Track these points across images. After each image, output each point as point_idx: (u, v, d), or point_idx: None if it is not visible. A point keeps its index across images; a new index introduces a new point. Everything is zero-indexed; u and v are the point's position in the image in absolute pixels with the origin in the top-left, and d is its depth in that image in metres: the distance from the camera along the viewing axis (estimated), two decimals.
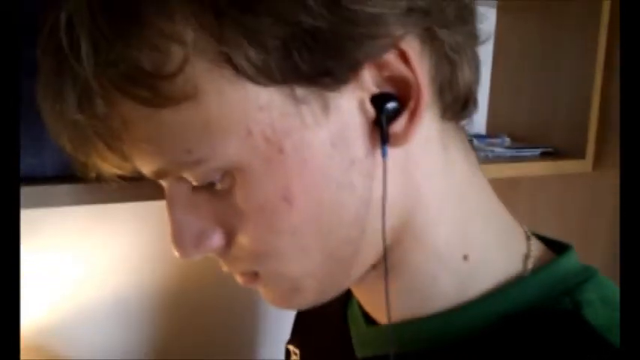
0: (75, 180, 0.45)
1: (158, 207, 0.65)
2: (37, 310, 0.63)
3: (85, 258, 0.66)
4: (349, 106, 0.30)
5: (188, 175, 0.32)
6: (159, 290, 0.70)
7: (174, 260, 0.67)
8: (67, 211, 0.63)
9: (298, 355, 0.48)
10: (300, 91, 0.29)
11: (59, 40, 0.28)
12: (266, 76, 0.28)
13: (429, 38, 0.31)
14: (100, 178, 0.34)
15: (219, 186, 0.32)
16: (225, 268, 0.36)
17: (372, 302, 0.39)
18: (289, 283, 0.35)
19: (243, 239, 0.33)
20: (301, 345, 0.48)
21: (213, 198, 0.33)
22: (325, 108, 0.30)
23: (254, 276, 0.35)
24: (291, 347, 0.50)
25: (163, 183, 0.34)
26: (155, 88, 0.28)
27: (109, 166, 0.33)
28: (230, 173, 0.31)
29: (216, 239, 0.34)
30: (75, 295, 0.65)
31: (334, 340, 0.43)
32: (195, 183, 0.32)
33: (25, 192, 0.44)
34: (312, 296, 0.36)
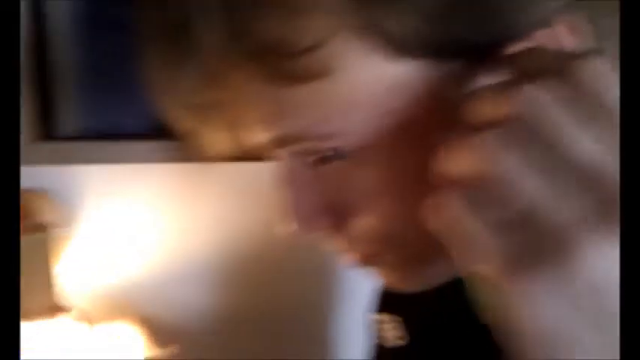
0: (161, 137, 0.46)
1: (245, 169, 0.66)
2: (126, 267, 0.64)
3: (171, 216, 0.66)
4: None
5: (311, 149, 0.30)
6: (239, 253, 0.70)
7: (257, 225, 0.69)
8: (155, 169, 0.64)
9: (397, 322, 0.45)
10: (442, 67, 0.28)
11: (184, 8, 0.26)
12: (407, 50, 0.27)
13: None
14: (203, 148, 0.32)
15: (344, 162, 0.30)
16: (334, 247, 0.34)
17: None
18: (415, 265, 0.33)
19: (365, 218, 0.31)
20: (401, 312, 0.46)
21: (335, 174, 0.31)
22: (457, 93, 0.28)
23: (374, 256, 0.33)
24: (382, 316, 0.48)
25: (279, 157, 0.32)
26: (290, 63, 0.27)
27: (223, 137, 0.31)
28: (358, 150, 0.29)
29: (332, 217, 0.32)
30: (160, 253, 0.65)
31: (451, 305, 0.40)
32: (316, 157, 0.30)
33: (112, 148, 0.49)
34: (439, 276, 0.34)
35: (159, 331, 0.59)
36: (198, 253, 0.68)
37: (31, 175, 0.56)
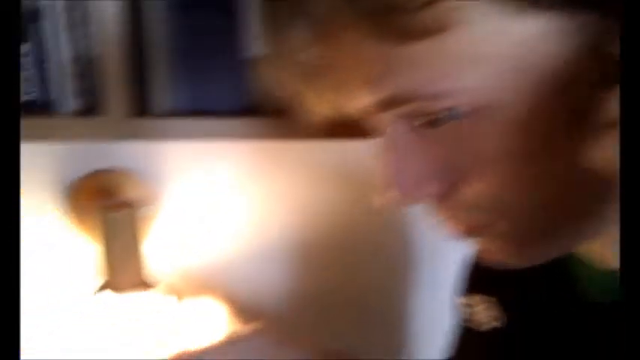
0: (251, 115, 0.49)
1: (330, 148, 0.68)
2: (210, 245, 0.65)
3: (255, 196, 0.67)
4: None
5: (422, 110, 0.29)
6: (321, 234, 0.71)
7: (339, 206, 0.70)
8: (242, 147, 0.65)
9: (491, 303, 0.43)
10: (576, 19, 0.25)
11: None
12: (531, 3, 0.25)
13: None
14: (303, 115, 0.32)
15: (458, 123, 0.28)
16: (438, 217, 0.32)
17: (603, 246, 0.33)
18: (528, 237, 0.31)
19: (478, 184, 0.29)
20: (495, 292, 0.43)
21: (447, 136, 0.29)
22: (593, 47, 0.25)
23: (482, 227, 0.31)
24: (473, 298, 0.46)
25: (383, 122, 0.30)
26: (407, 19, 0.26)
27: (327, 101, 0.31)
28: (473, 111, 0.27)
29: (440, 184, 0.30)
30: (243, 231, 0.67)
31: (549, 283, 0.39)
32: (426, 120, 0.29)
33: (202, 124, 0.51)
34: (551, 252, 0.32)
35: (240, 308, 0.60)
36: (280, 232, 0.69)
37: (118, 154, 0.61)
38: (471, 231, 0.32)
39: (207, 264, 0.66)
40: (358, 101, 0.30)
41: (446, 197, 0.30)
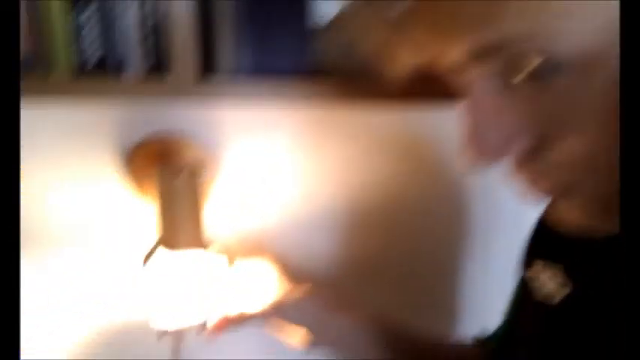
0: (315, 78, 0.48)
1: (387, 118, 0.67)
2: (264, 208, 0.66)
3: (310, 161, 0.68)
4: None
5: (519, 63, 0.27)
6: (373, 203, 0.71)
7: (393, 175, 0.70)
8: (293, 113, 0.65)
9: (558, 271, 0.43)
10: None
11: None
12: None
13: None
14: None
15: (556, 79, 0.27)
16: (520, 177, 0.31)
17: None
18: (611, 200, 0.29)
19: (569, 142, 0.28)
20: (562, 259, 0.43)
21: (541, 92, 0.28)
22: None
23: (569, 187, 0.31)
24: (538, 266, 0.45)
25: (472, 78, 0.30)
26: None
27: (421, 49, 0.30)
28: (574, 65, 0.26)
29: (526, 142, 0.29)
30: (297, 196, 0.68)
31: (616, 253, 0.36)
32: (521, 75, 0.28)
33: (265, 87, 0.52)
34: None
35: (290, 272, 0.62)
36: (332, 199, 0.70)
37: (179, 118, 0.61)
38: (556, 190, 0.31)
39: (260, 228, 0.67)
40: (456, 50, 0.28)
41: (535, 154, 0.29)
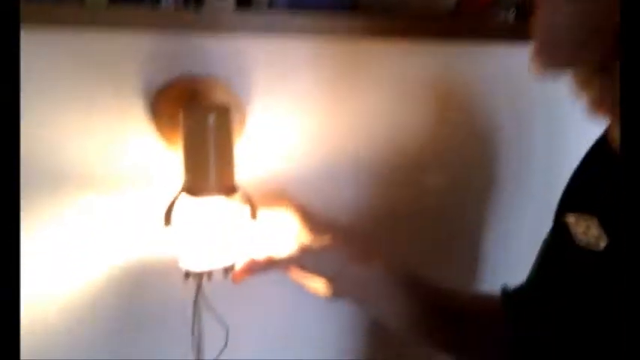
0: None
1: (416, 58, 0.66)
2: (289, 155, 0.65)
3: (338, 106, 0.66)
4: None
5: None
6: (394, 154, 0.70)
7: (417, 125, 0.69)
8: (325, 53, 0.63)
9: (591, 222, 0.43)
10: None
11: None
12: None
13: None
14: None
15: None
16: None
17: None
18: None
19: None
20: (597, 211, 0.43)
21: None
22: None
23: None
24: (572, 217, 0.45)
25: None
26: None
27: None
28: None
29: (597, 54, 0.31)
30: (318, 145, 0.66)
31: None
32: None
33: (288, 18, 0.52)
34: None
35: (313, 221, 0.61)
36: (359, 146, 0.68)
37: (208, 56, 0.59)
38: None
39: (284, 175, 0.65)
40: None
41: (602, 70, 0.30)
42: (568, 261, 0.46)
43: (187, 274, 0.55)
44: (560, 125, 0.80)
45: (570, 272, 0.46)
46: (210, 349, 0.68)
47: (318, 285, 0.59)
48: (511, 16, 0.67)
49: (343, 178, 0.69)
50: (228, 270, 0.56)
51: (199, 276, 0.56)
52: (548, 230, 0.53)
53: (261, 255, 0.55)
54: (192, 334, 0.66)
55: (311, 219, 0.59)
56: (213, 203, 0.56)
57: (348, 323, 0.76)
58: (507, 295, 0.58)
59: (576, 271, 0.45)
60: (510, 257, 0.79)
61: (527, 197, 0.78)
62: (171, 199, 0.55)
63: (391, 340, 0.78)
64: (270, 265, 0.56)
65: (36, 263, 0.59)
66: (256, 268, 0.55)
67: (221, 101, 0.59)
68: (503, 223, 0.78)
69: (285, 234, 0.58)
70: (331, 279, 0.58)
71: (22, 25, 0.39)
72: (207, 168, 0.54)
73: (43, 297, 0.60)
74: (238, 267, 0.56)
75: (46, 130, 0.56)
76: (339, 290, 0.58)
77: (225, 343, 0.66)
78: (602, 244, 0.41)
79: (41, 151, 0.57)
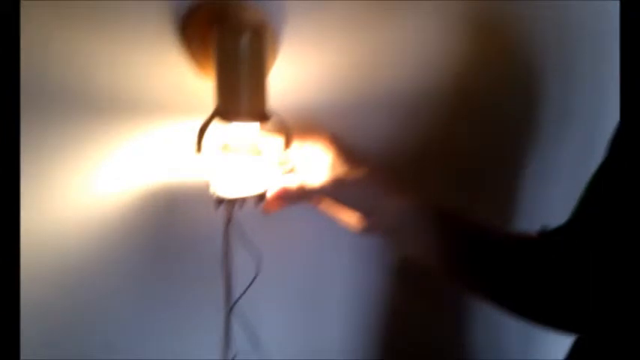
0: None
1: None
2: (324, 86, 0.63)
3: (368, 38, 0.64)
4: None
5: None
6: (433, 88, 0.68)
7: (458, 59, 0.67)
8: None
9: None
10: None
11: None
12: None
13: None
14: None
15: None
16: None
17: None
18: None
19: None
20: None
21: None
22: None
23: None
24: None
25: None
26: None
27: None
28: None
29: None
30: (353, 76, 0.64)
31: None
32: None
33: None
34: None
35: (348, 152, 0.59)
36: (397, 77, 0.65)
37: None
38: None
39: (317, 105, 0.63)
40: None
41: None
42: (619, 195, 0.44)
43: (219, 202, 0.54)
44: (605, 61, 0.75)
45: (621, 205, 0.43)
46: (239, 279, 0.69)
47: (351, 218, 0.58)
48: None
49: (378, 110, 0.66)
50: (259, 198, 0.55)
51: (231, 204, 0.55)
52: (592, 170, 0.50)
53: (294, 184, 0.54)
54: (222, 263, 0.66)
55: (345, 150, 0.57)
56: (245, 129, 0.55)
57: (378, 259, 0.76)
58: (547, 233, 0.56)
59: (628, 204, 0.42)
60: (547, 201, 0.76)
61: (567, 140, 0.75)
62: (202, 125, 0.53)
63: (418, 279, 0.78)
64: (303, 194, 0.54)
65: (65, 187, 0.59)
66: (289, 197, 0.54)
67: (246, 26, 0.56)
68: (541, 165, 0.75)
69: (319, 165, 0.56)
70: (365, 213, 0.57)
71: None
72: (240, 92, 0.52)
73: (71, 221, 0.61)
74: (272, 193, 0.54)
75: (75, 59, 0.54)
76: (372, 225, 0.57)
77: (256, 274, 0.66)
78: None
79: (71, 80, 0.55)
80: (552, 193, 0.76)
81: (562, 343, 0.56)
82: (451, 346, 0.86)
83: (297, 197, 0.54)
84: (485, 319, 0.84)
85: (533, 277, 0.54)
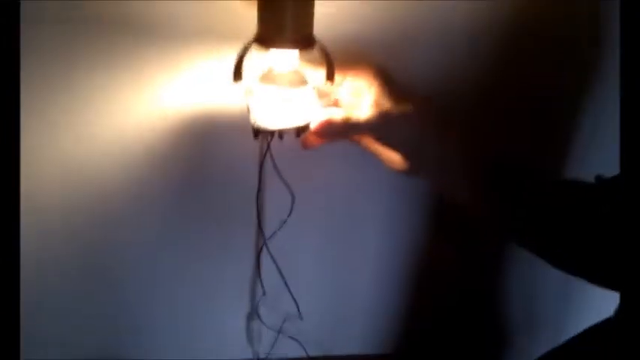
0: None
1: None
2: (364, 19, 0.59)
3: None
4: None
5: None
6: (487, 21, 0.63)
7: None
8: None
9: None
10: None
11: None
12: None
13: None
14: None
15: None
16: None
17: None
18: None
19: None
20: None
21: None
22: None
23: None
24: None
25: None
26: None
27: None
28: None
29: None
30: (400, 7, 0.60)
31: None
32: None
33: None
34: None
35: (395, 87, 0.54)
36: (451, 11, 0.60)
37: None
38: None
39: (365, 36, 0.59)
40: None
41: None
42: None
43: (257, 133, 0.51)
44: None
45: None
46: (272, 217, 0.67)
47: (394, 158, 0.55)
48: None
49: (430, 46, 0.62)
50: (300, 131, 0.52)
51: (270, 135, 0.52)
52: None
53: (338, 117, 0.51)
54: (257, 199, 0.65)
55: (392, 86, 0.53)
56: (286, 57, 0.51)
57: (416, 205, 0.73)
58: (604, 181, 0.52)
59: None
60: (603, 152, 0.71)
61: None
62: (240, 51, 0.50)
63: (455, 228, 0.75)
64: (347, 129, 0.51)
65: (96, 114, 0.58)
66: (332, 130, 0.51)
67: None
68: (596, 114, 0.70)
69: (363, 99, 0.53)
70: (409, 153, 0.54)
71: None
72: (282, 15, 0.48)
73: (104, 141, 0.59)
74: (315, 125, 0.51)
75: None
76: (416, 164, 0.54)
77: (290, 211, 0.65)
78: None
79: (108, 4, 0.53)
80: (605, 143, 0.71)
81: (598, 307, 0.53)
82: (483, 299, 0.84)
83: (340, 132, 0.51)
84: (521, 275, 0.82)
85: (594, 225, 0.51)
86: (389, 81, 0.54)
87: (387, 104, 0.52)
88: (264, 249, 0.68)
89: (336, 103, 0.54)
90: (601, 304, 0.52)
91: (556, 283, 0.82)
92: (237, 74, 0.51)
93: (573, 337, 0.52)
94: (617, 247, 0.46)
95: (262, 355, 0.78)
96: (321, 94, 0.53)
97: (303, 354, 0.78)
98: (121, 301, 0.70)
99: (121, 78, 0.57)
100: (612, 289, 0.47)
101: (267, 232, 0.67)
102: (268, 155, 0.59)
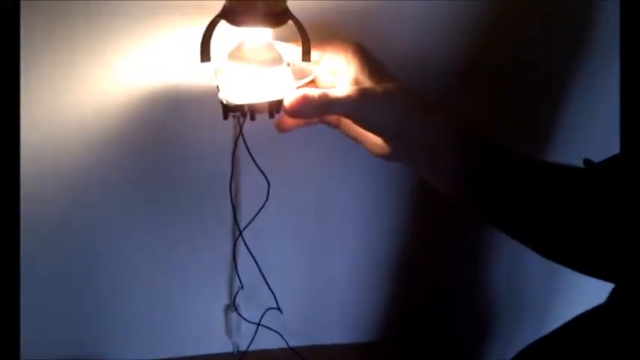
0: None
1: None
2: None
3: None
4: None
5: None
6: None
7: None
8: None
9: None
10: None
11: None
12: None
13: None
14: None
15: None
16: None
17: None
18: None
19: None
20: None
21: None
22: None
23: None
24: None
25: None
26: None
27: None
28: None
29: None
30: None
31: None
32: None
33: None
34: None
35: (375, 65, 0.50)
36: None
37: None
38: None
39: (343, 10, 0.55)
40: None
41: None
42: None
43: (226, 111, 0.48)
44: None
45: None
46: (247, 203, 0.64)
47: (374, 142, 0.52)
48: None
49: (412, 21, 0.58)
50: (273, 109, 0.48)
51: (241, 115, 0.48)
52: None
53: (314, 93, 0.47)
54: (230, 186, 0.61)
55: (372, 63, 0.50)
56: (258, 34, 0.48)
57: (395, 190, 0.71)
58: (596, 166, 0.50)
59: None
60: (595, 133, 0.69)
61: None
62: (205, 29, 0.46)
63: (438, 213, 0.73)
64: (324, 106, 0.47)
65: (69, 85, 0.54)
66: (307, 107, 0.46)
67: None
68: (590, 92, 0.68)
69: (342, 77, 0.49)
70: (390, 136, 0.50)
71: None
72: None
73: (73, 116, 0.56)
74: (290, 101, 0.46)
75: None
76: (397, 146, 0.50)
77: (267, 199, 0.61)
78: None
79: None
80: (600, 124, 0.69)
81: (585, 295, 0.52)
82: (469, 287, 0.82)
83: (316, 110, 0.47)
84: (506, 262, 0.80)
85: (582, 211, 0.48)
86: (369, 58, 0.50)
87: (366, 82, 0.49)
88: (240, 239, 0.65)
89: (313, 82, 0.51)
90: (588, 291, 0.50)
91: (542, 271, 0.80)
92: (205, 54, 0.47)
93: (563, 325, 0.50)
94: (614, 241, 0.44)
95: (242, 348, 0.76)
96: (297, 72, 0.49)
97: (284, 345, 0.76)
98: (97, 296, 0.67)
99: (83, 54, 0.53)
100: (607, 280, 0.45)
101: (243, 219, 0.64)
102: (241, 140, 0.56)
